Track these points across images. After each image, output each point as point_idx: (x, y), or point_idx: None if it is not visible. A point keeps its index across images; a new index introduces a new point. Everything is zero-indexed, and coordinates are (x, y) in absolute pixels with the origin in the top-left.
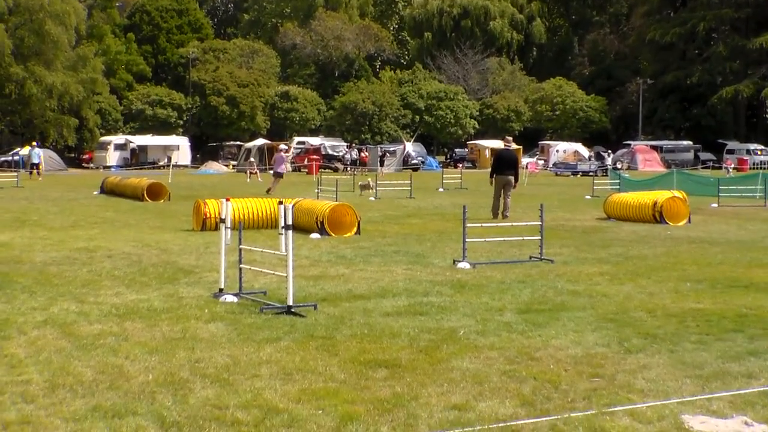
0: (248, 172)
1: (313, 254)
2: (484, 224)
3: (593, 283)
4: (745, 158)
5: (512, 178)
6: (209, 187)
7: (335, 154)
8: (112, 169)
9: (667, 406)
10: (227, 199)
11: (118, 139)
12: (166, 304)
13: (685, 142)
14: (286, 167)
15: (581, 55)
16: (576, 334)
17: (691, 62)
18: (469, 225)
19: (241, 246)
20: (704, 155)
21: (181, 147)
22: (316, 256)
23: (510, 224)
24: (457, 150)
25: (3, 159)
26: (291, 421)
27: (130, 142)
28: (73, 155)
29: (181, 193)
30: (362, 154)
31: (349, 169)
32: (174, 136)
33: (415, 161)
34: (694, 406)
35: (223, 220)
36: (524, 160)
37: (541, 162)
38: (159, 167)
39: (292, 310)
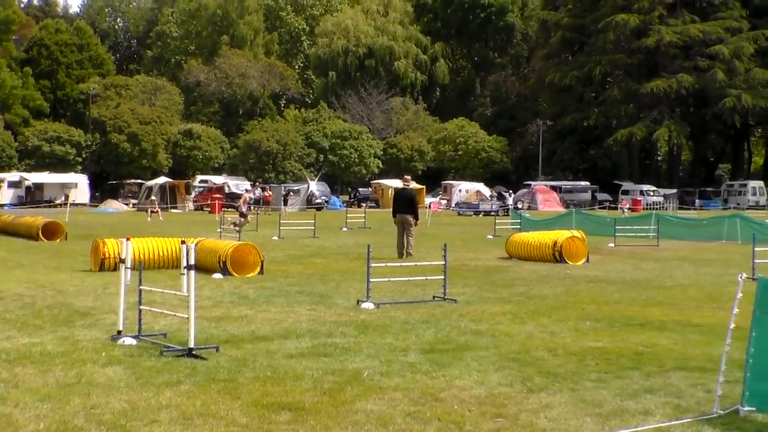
0: (149, 210)
1: (215, 295)
2: (388, 264)
3: (496, 322)
4: (639, 199)
5: (409, 216)
6: (108, 226)
7: (239, 192)
8: (6, 207)
9: None
10: (127, 239)
11: (12, 176)
12: (60, 347)
13: (583, 183)
14: (248, 207)
15: (483, 96)
16: (479, 374)
17: (588, 105)
18: (373, 265)
19: (141, 287)
20: (601, 196)
21: (79, 185)
22: (219, 297)
23: (414, 264)
24: (361, 189)
25: None
26: None
27: (26, 179)
28: None
29: (78, 232)
30: (266, 193)
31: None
32: (72, 173)
33: (319, 200)
34: None
35: (122, 260)
36: (427, 200)
37: (444, 202)
38: (56, 205)
39: (194, 352)
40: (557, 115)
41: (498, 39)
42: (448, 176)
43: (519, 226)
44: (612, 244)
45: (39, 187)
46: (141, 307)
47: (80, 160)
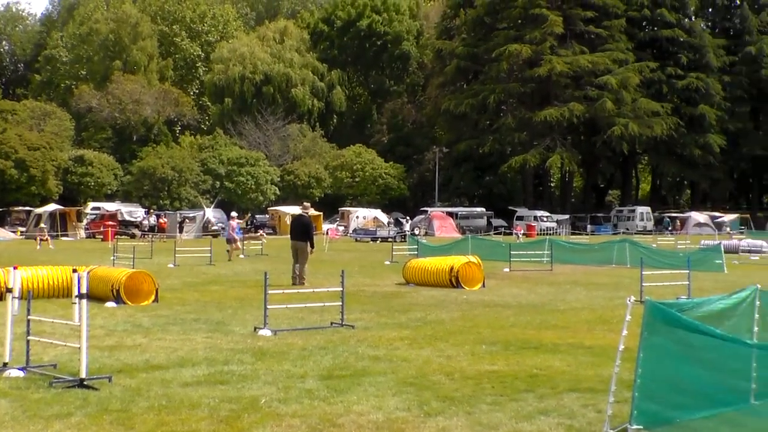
0: (38, 238)
1: (108, 323)
2: (285, 291)
3: (393, 347)
4: (533, 224)
5: (304, 244)
6: None
7: (132, 219)
8: None
9: None
10: (15, 267)
11: None
12: None
13: (478, 209)
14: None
15: (380, 123)
16: (377, 399)
17: (483, 132)
18: (270, 291)
19: (29, 317)
20: (496, 221)
21: None
22: (112, 326)
23: (311, 290)
24: (257, 216)
25: None
26: None
27: None
28: None
29: None
30: (161, 221)
31: (147, 235)
32: None
33: (215, 227)
34: None
35: (10, 290)
36: (325, 226)
37: (342, 228)
38: None
39: (85, 383)
40: (453, 143)
41: (394, 67)
42: (346, 203)
43: (416, 252)
44: (507, 269)
45: None
46: (29, 337)
47: None
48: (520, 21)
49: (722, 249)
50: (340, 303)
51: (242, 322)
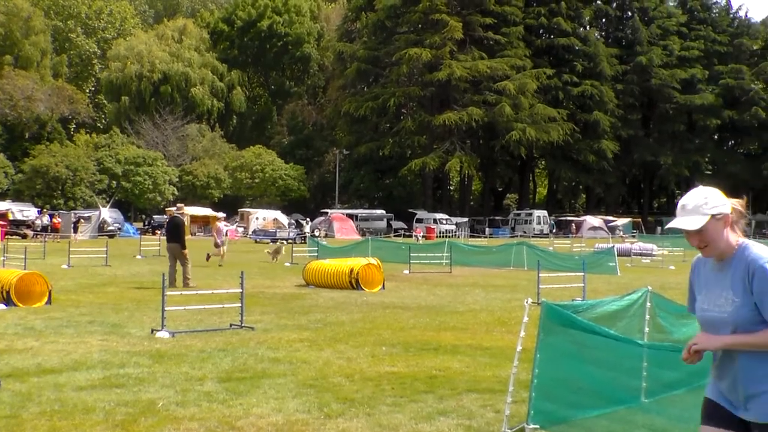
0: None
1: None
2: (183, 292)
3: (293, 349)
4: (432, 227)
5: (176, 245)
6: None
7: (24, 219)
8: None
9: None
10: None
11: None
12: None
13: (378, 211)
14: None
15: (281, 125)
16: (277, 401)
17: (384, 135)
18: (168, 293)
19: None
20: (396, 224)
21: None
22: (2, 329)
23: (210, 292)
24: (155, 216)
25: None
26: None
27: None
28: None
29: None
30: (55, 220)
31: (39, 235)
32: None
33: (111, 227)
34: None
35: None
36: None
37: (241, 229)
38: None
39: None
40: (353, 145)
41: (295, 69)
42: (245, 204)
43: (316, 254)
44: (407, 271)
45: None
46: None
47: None
48: (420, 25)
49: (615, 252)
50: (240, 304)
51: (139, 324)
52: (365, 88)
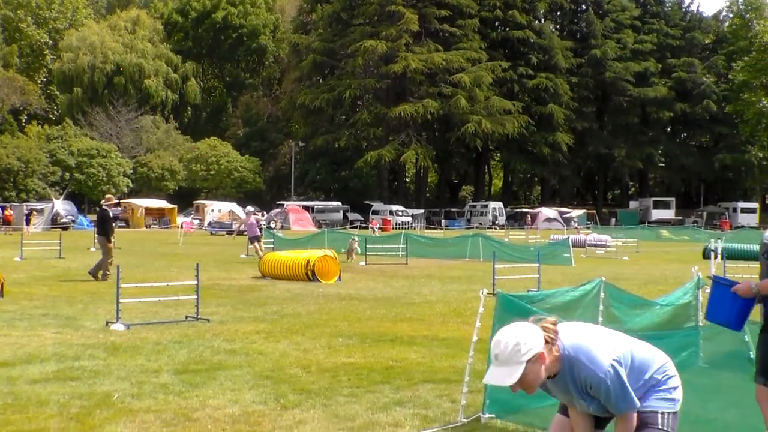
0: None
1: None
2: (138, 284)
3: (250, 341)
4: (389, 219)
5: (102, 238)
6: None
7: None
8: None
9: None
10: None
11: None
12: None
13: (334, 203)
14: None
15: (236, 117)
16: (233, 393)
17: (339, 127)
18: (123, 285)
19: None
20: (352, 215)
21: None
22: None
23: (166, 284)
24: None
25: None
26: None
27: None
28: None
29: None
30: (6, 213)
31: None
32: None
33: (65, 220)
34: None
35: None
36: (179, 220)
37: (197, 221)
38: None
39: None
40: (309, 137)
41: (250, 60)
42: (201, 196)
43: (272, 246)
44: (363, 263)
45: None
46: None
47: None
48: (376, 17)
49: (570, 243)
50: (195, 297)
51: (94, 316)
52: (321, 80)
